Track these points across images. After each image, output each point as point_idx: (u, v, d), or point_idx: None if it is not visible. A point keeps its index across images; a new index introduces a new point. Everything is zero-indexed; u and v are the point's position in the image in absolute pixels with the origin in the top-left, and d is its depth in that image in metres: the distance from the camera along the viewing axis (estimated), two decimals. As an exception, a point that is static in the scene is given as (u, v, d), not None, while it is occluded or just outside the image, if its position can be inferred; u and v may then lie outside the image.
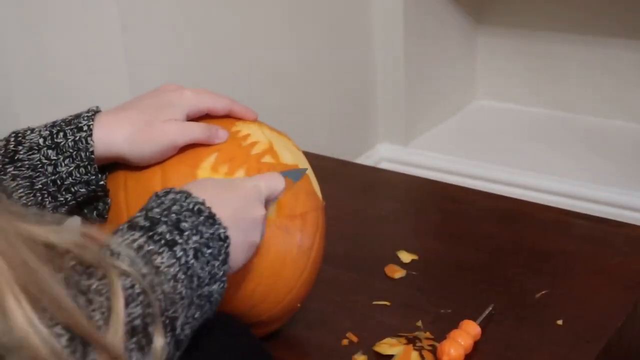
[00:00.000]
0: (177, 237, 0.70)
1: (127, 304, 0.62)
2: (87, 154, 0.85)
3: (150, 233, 0.69)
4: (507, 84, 2.15)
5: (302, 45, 1.72)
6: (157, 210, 0.72)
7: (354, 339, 0.99)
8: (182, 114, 0.90)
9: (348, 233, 1.23)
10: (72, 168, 0.85)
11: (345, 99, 1.88)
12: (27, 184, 0.84)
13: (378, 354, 0.96)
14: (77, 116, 0.87)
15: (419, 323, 1.01)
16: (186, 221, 0.72)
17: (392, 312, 1.03)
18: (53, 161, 0.85)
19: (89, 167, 0.86)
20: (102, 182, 0.88)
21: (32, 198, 0.85)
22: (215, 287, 0.73)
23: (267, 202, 0.84)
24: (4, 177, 0.83)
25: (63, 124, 0.87)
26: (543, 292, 1.06)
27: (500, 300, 1.03)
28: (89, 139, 0.85)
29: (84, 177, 0.86)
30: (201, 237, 0.72)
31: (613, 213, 1.57)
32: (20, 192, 0.84)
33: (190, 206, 0.73)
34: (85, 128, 0.86)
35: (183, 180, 0.85)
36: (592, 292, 1.06)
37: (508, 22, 2.10)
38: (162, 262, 0.68)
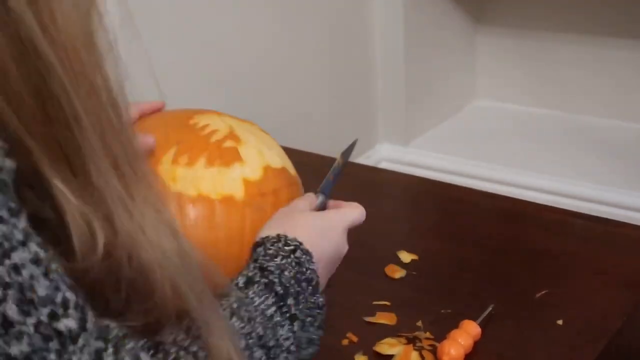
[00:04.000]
0: (297, 312, 0.75)
1: None
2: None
3: (281, 304, 0.74)
4: (507, 84, 2.15)
5: (302, 46, 1.72)
6: (287, 275, 0.75)
7: (354, 339, 0.99)
8: None
9: (348, 233, 1.23)
10: None
11: (345, 99, 1.88)
12: None
13: (378, 354, 0.96)
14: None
15: (419, 323, 1.01)
16: (302, 293, 0.76)
17: (392, 312, 1.03)
18: None
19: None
20: None
21: None
22: (311, 350, 0.78)
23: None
24: None
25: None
26: (543, 292, 1.06)
27: (500, 300, 1.03)
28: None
29: None
30: (306, 307, 0.76)
31: (613, 213, 1.57)
32: None
33: (308, 275, 0.77)
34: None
35: None
36: (592, 292, 1.06)
37: (508, 22, 2.10)
38: (281, 335, 0.73)
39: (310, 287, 0.77)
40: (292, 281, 0.76)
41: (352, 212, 0.89)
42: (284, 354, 0.73)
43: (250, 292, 0.73)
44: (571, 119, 2.05)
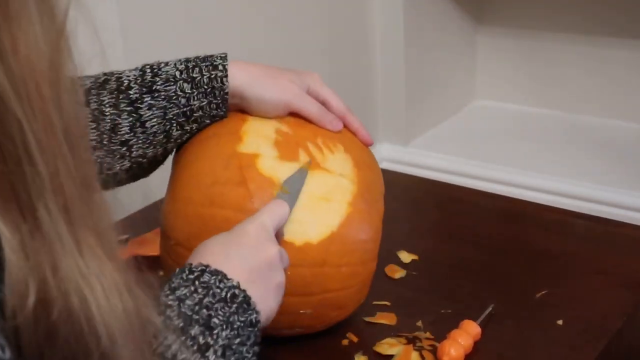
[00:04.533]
0: (209, 339, 0.69)
1: None
2: (222, 93, 0.92)
3: (183, 337, 0.68)
4: (507, 84, 2.15)
5: (302, 46, 1.72)
6: (189, 303, 0.70)
7: (354, 339, 0.99)
8: (302, 85, 0.97)
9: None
10: (204, 103, 0.92)
11: (345, 99, 1.87)
12: (161, 113, 0.91)
13: (378, 354, 0.96)
14: (210, 56, 0.94)
15: (419, 323, 1.01)
16: (218, 315, 0.71)
17: (392, 312, 1.03)
18: (187, 94, 0.91)
19: (221, 105, 0.93)
20: (225, 116, 0.94)
21: (161, 126, 0.91)
22: None
23: (277, 232, 0.83)
24: (140, 106, 0.90)
25: (198, 60, 0.93)
26: (543, 292, 1.06)
27: (500, 300, 1.03)
28: (224, 79, 0.92)
29: (214, 111, 0.93)
30: (231, 330, 0.71)
31: (613, 213, 1.57)
32: (154, 122, 0.91)
33: (224, 294, 0.72)
34: (220, 67, 0.92)
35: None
36: (592, 292, 1.06)
37: (508, 22, 2.10)
38: None
39: (234, 305, 0.72)
40: (197, 307, 0.70)
41: (266, 210, 0.83)
42: None
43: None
44: (571, 119, 2.04)
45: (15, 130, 0.49)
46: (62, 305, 0.52)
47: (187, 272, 0.73)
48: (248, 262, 0.76)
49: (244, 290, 0.73)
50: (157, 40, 1.39)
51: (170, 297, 0.71)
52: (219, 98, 0.92)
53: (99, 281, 0.53)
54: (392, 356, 0.96)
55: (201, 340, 0.69)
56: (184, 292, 0.71)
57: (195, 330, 0.69)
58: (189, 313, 0.70)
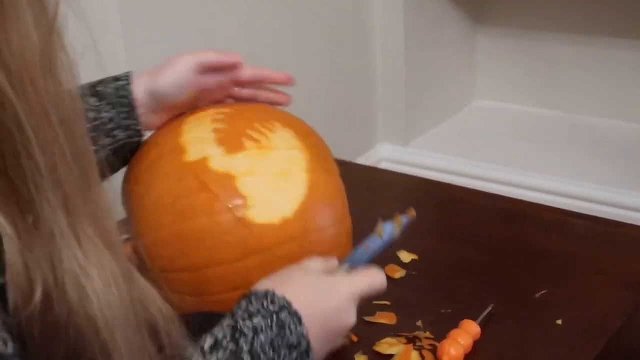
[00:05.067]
0: None
1: None
2: (128, 100, 0.91)
3: None
4: (507, 84, 2.15)
5: (302, 46, 1.72)
6: (262, 339, 0.68)
7: (354, 338, 0.99)
8: (194, 55, 0.98)
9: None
10: (113, 114, 0.91)
11: (345, 99, 1.88)
12: None
13: (378, 354, 0.96)
14: (112, 76, 0.94)
15: (419, 323, 1.01)
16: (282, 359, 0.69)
17: (392, 312, 1.03)
18: (95, 107, 0.90)
19: (130, 112, 0.92)
20: (139, 127, 0.93)
21: None
22: None
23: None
24: None
25: (100, 80, 0.93)
26: (543, 292, 1.06)
27: (500, 300, 1.03)
28: (128, 86, 0.92)
29: (124, 122, 0.92)
30: None
31: (613, 213, 1.58)
32: None
33: (292, 340, 0.70)
34: (123, 78, 0.92)
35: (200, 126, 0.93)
36: (592, 292, 1.06)
37: (507, 22, 2.10)
38: None
39: (295, 353, 0.69)
40: (267, 347, 0.68)
41: (365, 278, 0.79)
42: None
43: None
44: (571, 119, 2.05)
45: (12, 125, 0.50)
46: (62, 297, 0.52)
47: (269, 300, 0.71)
48: (326, 322, 0.74)
49: (308, 342, 0.71)
50: (158, 40, 1.39)
51: (247, 323, 0.69)
52: (127, 106, 0.92)
53: (97, 271, 0.54)
54: (392, 356, 0.96)
55: None
56: (260, 323, 0.69)
57: None
58: (259, 351, 0.68)
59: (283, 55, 1.67)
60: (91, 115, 0.89)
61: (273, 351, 0.68)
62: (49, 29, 0.52)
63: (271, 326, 0.69)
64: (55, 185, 0.52)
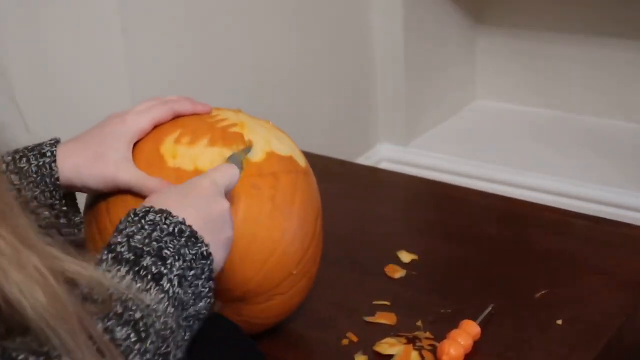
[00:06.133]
0: (162, 268, 0.69)
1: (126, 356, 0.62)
2: (52, 179, 0.87)
3: (136, 268, 0.68)
4: (507, 84, 2.15)
5: (302, 46, 1.72)
6: (138, 237, 0.71)
7: (354, 338, 0.99)
8: (126, 142, 0.91)
9: (348, 233, 1.23)
10: (36, 193, 0.87)
11: (345, 99, 1.88)
12: None
13: (378, 354, 0.96)
14: (40, 144, 0.88)
15: (419, 323, 1.01)
16: (168, 247, 0.71)
17: (392, 312, 1.03)
18: (16, 186, 0.85)
19: (53, 192, 0.88)
20: (64, 208, 0.89)
21: None
22: (202, 304, 0.73)
23: (227, 193, 0.83)
24: None
25: (26, 150, 0.88)
26: (543, 292, 1.06)
27: (500, 300, 1.03)
28: (52, 164, 0.87)
29: (48, 201, 0.87)
30: (184, 261, 0.71)
31: (613, 213, 1.57)
32: None
33: (171, 229, 0.72)
34: (48, 154, 0.87)
35: (146, 157, 0.90)
36: (592, 292, 1.06)
37: (508, 22, 2.10)
38: (151, 300, 0.67)
39: (183, 239, 0.72)
40: (147, 240, 0.70)
41: (217, 169, 0.83)
42: (162, 319, 0.67)
43: (99, 273, 0.65)
44: (571, 119, 2.04)
45: None
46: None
47: (132, 215, 0.74)
48: (201, 211, 0.76)
49: (189, 226, 0.73)
50: (158, 41, 1.39)
51: (119, 237, 0.71)
52: (50, 185, 0.88)
53: (20, 272, 0.55)
54: (392, 356, 0.96)
55: (154, 269, 0.69)
56: (131, 229, 0.72)
57: (147, 260, 0.69)
58: (139, 246, 0.70)
59: (283, 56, 1.67)
60: (13, 192, 0.83)
61: (157, 242, 0.71)
62: None
63: (143, 227, 0.72)
64: None
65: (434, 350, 0.95)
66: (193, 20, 1.45)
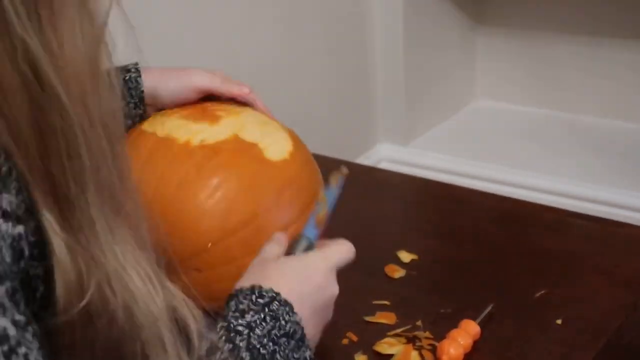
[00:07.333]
0: None
1: None
2: (137, 92, 0.95)
3: None
4: (507, 84, 2.15)
5: (303, 46, 1.72)
6: (258, 333, 0.68)
7: (354, 338, 0.99)
8: (206, 74, 1.00)
9: (348, 233, 1.23)
10: (122, 104, 0.91)
11: (345, 99, 1.88)
12: None
13: (378, 354, 0.96)
14: (123, 65, 0.95)
15: (419, 323, 1.01)
16: (280, 351, 0.69)
17: (392, 312, 1.03)
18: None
19: (139, 103, 0.95)
20: (145, 117, 0.96)
21: None
22: None
23: None
24: None
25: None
26: (542, 292, 1.06)
27: (499, 299, 1.03)
28: (138, 78, 0.94)
29: (133, 111, 0.94)
30: None
31: (613, 213, 1.58)
32: None
33: (288, 328, 0.70)
34: (133, 70, 0.94)
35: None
36: (592, 291, 1.06)
37: (507, 22, 2.10)
38: None
39: (293, 342, 0.70)
40: (265, 340, 0.68)
41: (337, 250, 0.82)
42: None
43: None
44: (571, 119, 2.05)
45: (61, 126, 0.52)
46: (109, 293, 0.54)
47: (257, 295, 0.71)
48: (314, 301, 0.75)
49: (302, 328, 0.72)
50: (158, 41, 1.39)
51: (240, 321, 0.69)
52: (135, 98, 0.95)
53: (136, 271, 0.56)
54: (391, 355, 0.96)
55: None
56: (254, 318, 0.69)
57: None
58: (258, 346, 0.68)
59: (282, 56, 1.67)
60: None
61: (273, 343, 0.68)
62: (98, 36, 0.55)
63: (265, 319, 0.69)
64: (98, 187, 0.54)
65: (433, 350, 0.95)
66: (192, 20, 1.45)
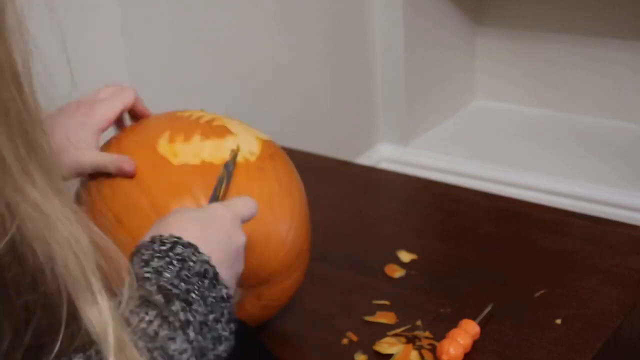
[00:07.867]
0: (189, 315, 0.66)
1: None
2: None
3: (165, 314, 0.65)
4: (506, 85, 2.15)
5: (302, 46, 1.72)
6: (167, 275, 0.67)
7: (354, 338, 0.99)
8: (94, 132, 0.95)
9: (348, 233, 1.23)
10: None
11: (345, 99, 1.88)
12: None
13: (378, 353, 0.97)
14: None
15: (419, 322, 1.01)
16: (194, 291, 0.68)
17: (392, 312, 1.03)
18: None
19: None
20: None
21: None
22: (221, 347, 0.69)
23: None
24: None
25: None
26: (542, 292, 1.06)
27: (499, 299, 1.03)
28: None
29: None
30: (206, 306, 0.68)
31: (613, 213, 1.58)
32: None
33: (197, 267, 0.69)
34: None
35: (147, 161, 0.92)
36: (591, 291, 1.06)
37: (507, 23, 2.10)
38: (175, 349, 0.64)
39: (207, 280, 0.69)
40: (176, 281, 0.67)
41: (239, 201, 0.82)
42: None
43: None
44: (571, 119, 2.05)
45: None
46: (23, 235, 0.55)
47: (158, 243, 0.70)
48: (223, 247, 0.75)
49: (213, 267, 0.70)
50: (158, 42, 1.39)
51: (146, 269, 0.68)
52: None
53: (52, 210, 0.55)
54: (391, 355, 0.96)
55: (182, 317, 0.65)
56: (159, 263, 0.68)
57: (176, 306, 0.65)
58: (169, 287, 0.66)
59: (283, 56, 1.67)
60: None
61: (185, 283, 0.67)
62: None
63: (172, 262, 0.68)
64: (7, 130, 0.54)
65: (433, 350, 0.96)
66: (192, 20, 1.45)
